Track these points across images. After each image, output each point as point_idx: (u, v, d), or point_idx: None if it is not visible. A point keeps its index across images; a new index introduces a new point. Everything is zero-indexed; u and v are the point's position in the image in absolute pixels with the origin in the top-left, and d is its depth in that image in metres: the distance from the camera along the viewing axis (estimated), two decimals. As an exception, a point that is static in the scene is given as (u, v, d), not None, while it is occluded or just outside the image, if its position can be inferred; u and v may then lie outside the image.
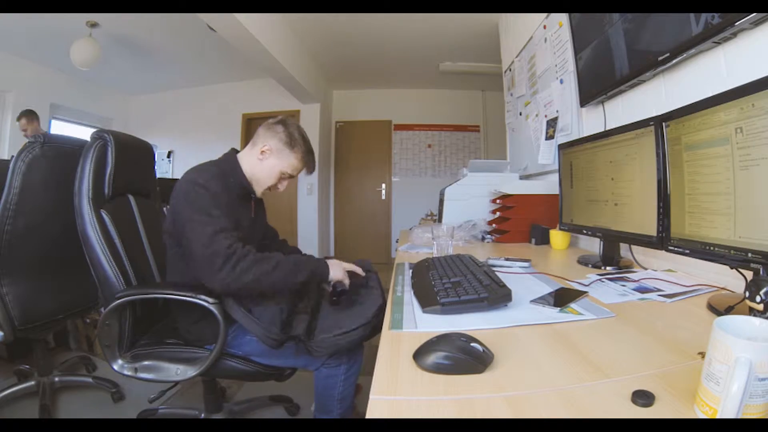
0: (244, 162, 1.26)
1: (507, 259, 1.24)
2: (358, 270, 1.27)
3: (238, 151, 1.30)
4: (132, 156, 1.36)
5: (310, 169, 1.33)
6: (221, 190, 1.12)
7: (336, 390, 1.19)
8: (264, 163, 1.25)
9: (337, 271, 1.20)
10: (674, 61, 1.15)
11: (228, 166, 1.24)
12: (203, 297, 1.07)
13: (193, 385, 1.53)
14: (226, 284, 1.02)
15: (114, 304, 1.11)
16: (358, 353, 1.27)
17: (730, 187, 0.74)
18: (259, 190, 1.29)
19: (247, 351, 1.17)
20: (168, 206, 1.17)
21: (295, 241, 5.00)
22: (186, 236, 1.06)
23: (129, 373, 1.16)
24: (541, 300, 0.84)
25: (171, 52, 4.14)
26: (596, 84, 1.61)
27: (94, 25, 3.39)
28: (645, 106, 1.35)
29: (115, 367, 1.16)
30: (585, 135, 1.60)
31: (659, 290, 0.91)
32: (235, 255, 1.02)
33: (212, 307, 1.07)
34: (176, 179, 1.19)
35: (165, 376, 1.16)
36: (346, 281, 1.22)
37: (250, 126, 5.18)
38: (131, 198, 1.36)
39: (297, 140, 1.26)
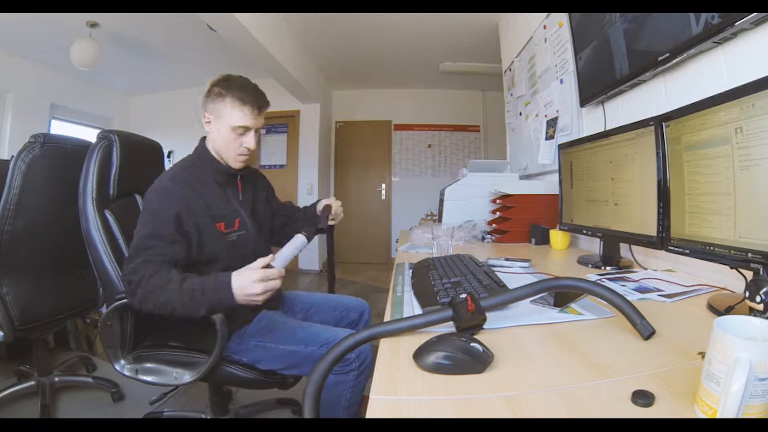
0: (208, 143, 1.22)
1: (507, 259, 1.24)
2: (272, 272, 0.95)
3: None
4: (139, 156, 1.34)
5: (254, 101, 1.14)
6: (179, 184, 1.10)
7: (343, 397, 1.07)
8: (213, 130, 1.17)
9: (249, 289, 0.93)
10: (674, 61, 1.15)
11: (197, 154, 1.22)
12: None
13: (200, 387, 1.52)
14: (136, 306, 1.02)
15: (114, 304, 1.11)
16: (369, 353, 1.11)
17: (730, 187, 0.74)
18: (232, 160, 1.19)
19: (252, 358, 1.14)
20: None
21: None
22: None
23: (129, 374, 1.16)
24: (541, 300, 0.83)
25: (171, 52, 4.13)
26: (596, 84, 1.61)
27: (94, 25, 3.39)
28: (645, 106, 1.35)
29: (117, 366, 1.16)
30: (585, 135, 1.60)
31: (659, 290, 0.91)
32: (133, 282, 0.99)
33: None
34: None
35: (164, 380, 1.15)
36: (266, 285, 0.94)
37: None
38: (139, 198, 1.34)
39: (225, 87, 1.14)
